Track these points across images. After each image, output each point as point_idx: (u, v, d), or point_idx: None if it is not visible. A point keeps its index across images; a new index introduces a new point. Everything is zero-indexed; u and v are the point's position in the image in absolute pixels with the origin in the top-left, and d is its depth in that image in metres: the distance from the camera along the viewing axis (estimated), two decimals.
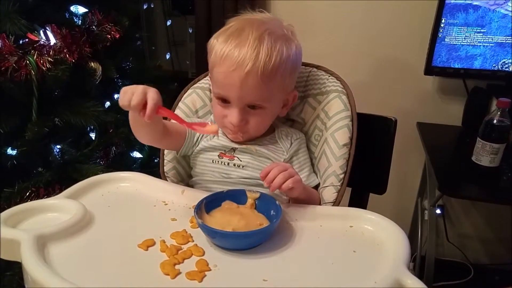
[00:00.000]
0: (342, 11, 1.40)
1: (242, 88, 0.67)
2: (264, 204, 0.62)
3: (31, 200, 0.94)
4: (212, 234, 0.55)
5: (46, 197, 0.74)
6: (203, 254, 0.53)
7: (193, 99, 0.87)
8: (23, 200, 0.94)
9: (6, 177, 0.97)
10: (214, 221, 0.58)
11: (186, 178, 0.84)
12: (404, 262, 0.45)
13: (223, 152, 0.77)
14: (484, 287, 1.51)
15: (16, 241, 0.50)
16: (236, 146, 0.77)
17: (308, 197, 0.71)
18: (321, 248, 0.53)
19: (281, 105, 0.77)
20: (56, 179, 1.01)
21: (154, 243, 0.55)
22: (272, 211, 0.60)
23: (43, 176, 1.00)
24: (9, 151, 0.99)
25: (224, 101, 0.71)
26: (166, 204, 0.67)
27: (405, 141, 1.35)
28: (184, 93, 0.89)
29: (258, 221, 0.58)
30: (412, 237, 1.59)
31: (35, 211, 0.59)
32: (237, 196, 0.64)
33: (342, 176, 0.74)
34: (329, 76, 0.84)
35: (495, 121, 1.07)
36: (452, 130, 1.38)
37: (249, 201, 0.63)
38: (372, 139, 0.84)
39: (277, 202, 0.60)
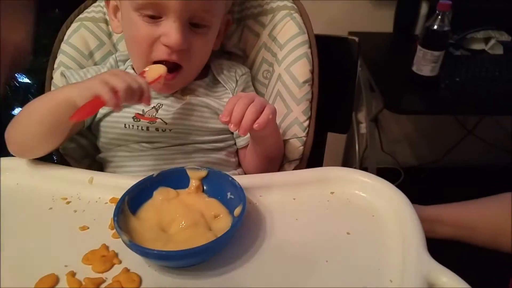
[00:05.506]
0: None
1: None
2: (215, 184, 0.44)
3: None
4: (149, 256, 0.37)
5: None
6: (140, 283, 0.36)
7: (83, 36, 0.63)
8: None
9: None
10: (146, 226, 0.39)
11: (93, 153, 0.61)
12: (423, 245, 0.34)
13: (140, 112, 0.55)
14: (412, 185, 1.63)
15: None
16: (159, 100, 0.56)
17: (279, 134, 0.56)
18: (304, 236, 0.40)
19: (217, 31, 0.58)
20: None
21: (56, 281, 0.35)
22: (229, 193, 0.43)
23: None
24: None
25: (153, 17, 0.51)
26: (68, 203, 0.46)
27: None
28: (67, 29, 0.63)
29: (213, 212, 0.42)
30: (348, 151, 1.61)
31: None
32: (174, 178, 0.45)
33: (306, 123, 0.58)
34: None
35: (435, 27, 1.00)
36: (385, 38, 1.30)
37: (193, 182, 0.44)
38: (330, 68, 0.66)
39: (233, 179, 0.43)
